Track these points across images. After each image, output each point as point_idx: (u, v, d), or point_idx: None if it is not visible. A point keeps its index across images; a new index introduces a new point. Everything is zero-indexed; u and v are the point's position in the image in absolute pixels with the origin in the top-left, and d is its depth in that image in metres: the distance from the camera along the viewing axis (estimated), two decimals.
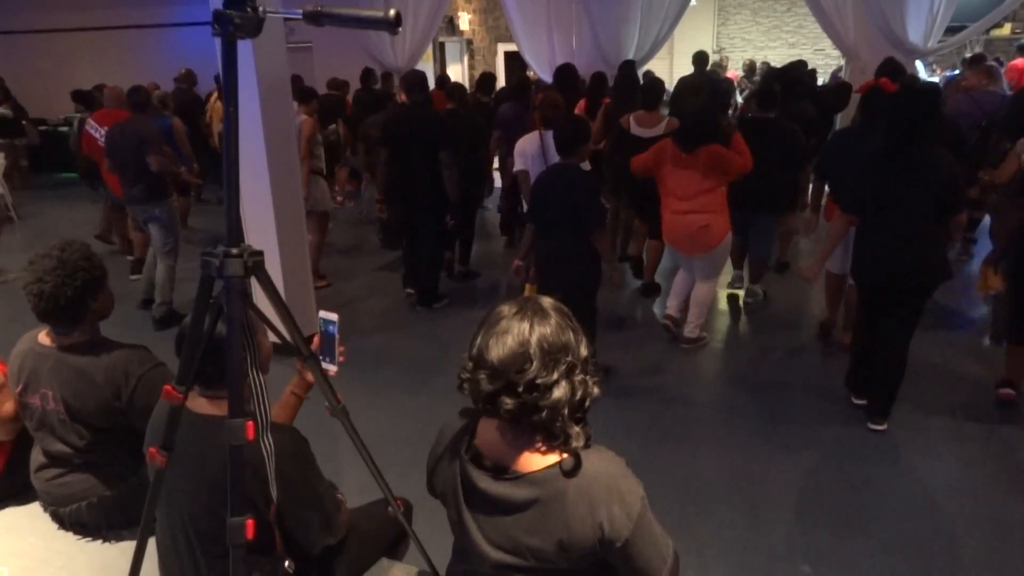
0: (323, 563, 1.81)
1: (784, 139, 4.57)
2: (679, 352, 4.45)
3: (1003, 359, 3.76)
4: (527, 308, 1.31)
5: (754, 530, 2.84)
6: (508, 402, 1.26)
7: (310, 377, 1.91)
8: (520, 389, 1.25)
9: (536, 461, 1.32)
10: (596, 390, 1.33)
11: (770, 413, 3.70)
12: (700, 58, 7.63)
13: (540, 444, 1.32)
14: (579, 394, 1.30)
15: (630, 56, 8.33)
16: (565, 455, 1.31)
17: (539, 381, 1.25)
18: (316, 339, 1.85)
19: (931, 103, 3.21)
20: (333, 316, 1.80)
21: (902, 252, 3.24)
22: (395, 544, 2.09)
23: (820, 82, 11.12)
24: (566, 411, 1.28)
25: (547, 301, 1.35)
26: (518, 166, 4.81)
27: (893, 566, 2.63)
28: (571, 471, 1.30)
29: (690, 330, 4.41)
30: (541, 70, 9.36)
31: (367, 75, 8.51)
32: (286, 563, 1.68)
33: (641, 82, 5.74)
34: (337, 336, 1.82)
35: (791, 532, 2.82)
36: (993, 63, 6.20)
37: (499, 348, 1.27)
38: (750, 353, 4.45)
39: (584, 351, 1.33)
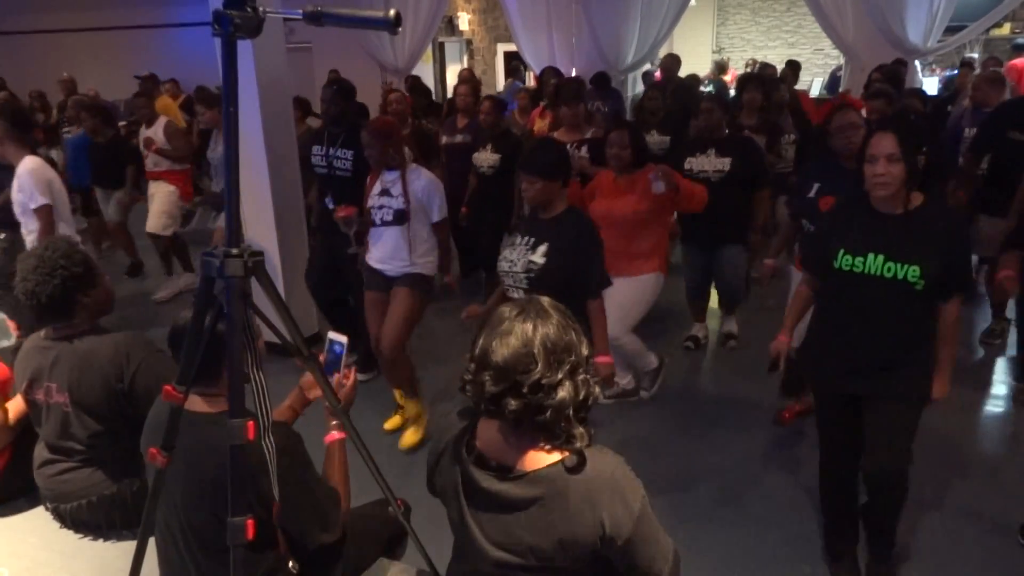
0: (322, 563, 1.81)
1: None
2: (675, 357, 4.45)
3: None
4: (529, 309, 1.32)
5: (754, 530, 2.84)
6: (513, 403, 1.26)
7: (311, 394, 1.94)
8: (525, 390, 1.26)
9: (539, 460, 1.32)
10: (597, 390, 1.34)
11: (770, 415, 3.70)
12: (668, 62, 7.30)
13: (543, 443, 1.32)
14: (583, 394, 1.30)
15: (629, 58, 8.34)
16: (568, 453, 1.32)
17: (544, 381, 1.26)
18: (321, 358, 1.87)
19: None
20: (342, 338, 1.82)
21: (868, 343, 2.26)
22: (394, 544, 2.09)
23: (818, 83, 11.15)
24: (570, 411, 1.29)
25: (547, 300, 1.36)
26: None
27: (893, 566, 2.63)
28: (575, 467, 1.31)
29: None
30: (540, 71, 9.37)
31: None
32: (290, 564, 1.68)
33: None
34: (344, 358, 1.82)
35: (791, 532, 2.82)
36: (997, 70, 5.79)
37: (503, 349, 1.27)
38: (751, 354, 4.45)
39: (585, 350, 1.33)
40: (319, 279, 4.12)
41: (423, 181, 3.26)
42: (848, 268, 2.21)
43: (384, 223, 3.26)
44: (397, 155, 3.26)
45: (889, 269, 2.15)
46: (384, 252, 3.32)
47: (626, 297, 3.39)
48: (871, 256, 2.17)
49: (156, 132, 5.38)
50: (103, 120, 5.65)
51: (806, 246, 2.50)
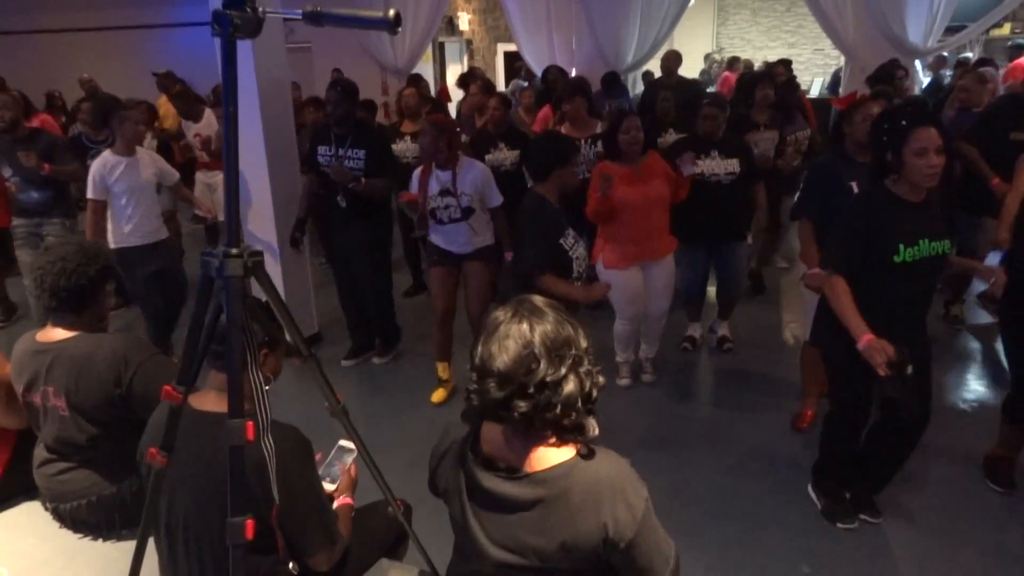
0: None
1: None
2: (674, 359, 4.46)
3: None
4: (522, 309, 1.31)
5: (754, 531, 2.84)
6: (521, 405, 1.26)
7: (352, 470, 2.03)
8: (531, 390, 1.25)
9: (548, 457, 1.32)
10: (602, 379, 1.33)
11: (768, 414, 3.69)
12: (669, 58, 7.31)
13: (552, 438, 1.32)
14: (587, 385, 1.30)
15: (629, 57, 8.33)
16: (576, 447, 1.32)
17: (549, 379, 1.25)
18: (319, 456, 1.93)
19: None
20: (352, 447, 1.93)
21: (914, 316, 2.56)
22: (394, 545, 2.09)
23: (818, 83, 11.14)
24: (579, 404, 1.29)
25: (539, 299, 1.35)
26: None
27: (892, 567, 2.63)
28: (588, 455, 1.32)
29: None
30: (540, 71, 9.36)
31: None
32: (290, 565, 1.68)
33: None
34: (348, 464, 2.00)
35: (791, 532, 2.82)
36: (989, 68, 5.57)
37: (504, 355, 1.26)
38: (747, 353, 4.45)
39: (584, 342, 1.33)
40: (352, 295, 4.36)
41: (478, 173, 3.60)
42: (911, 259, 2.41)
43: (452, 220, 3.63)
44: (447, 150, 3.52)
45: (934, 248, 2.44)
46: (452, 241, 3.70)
47: (671, 275, 3.90)
48: (922, 242, 2.42)
49: (210, 125, 5.60)
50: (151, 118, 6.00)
51: (845, 247, 2.49)
